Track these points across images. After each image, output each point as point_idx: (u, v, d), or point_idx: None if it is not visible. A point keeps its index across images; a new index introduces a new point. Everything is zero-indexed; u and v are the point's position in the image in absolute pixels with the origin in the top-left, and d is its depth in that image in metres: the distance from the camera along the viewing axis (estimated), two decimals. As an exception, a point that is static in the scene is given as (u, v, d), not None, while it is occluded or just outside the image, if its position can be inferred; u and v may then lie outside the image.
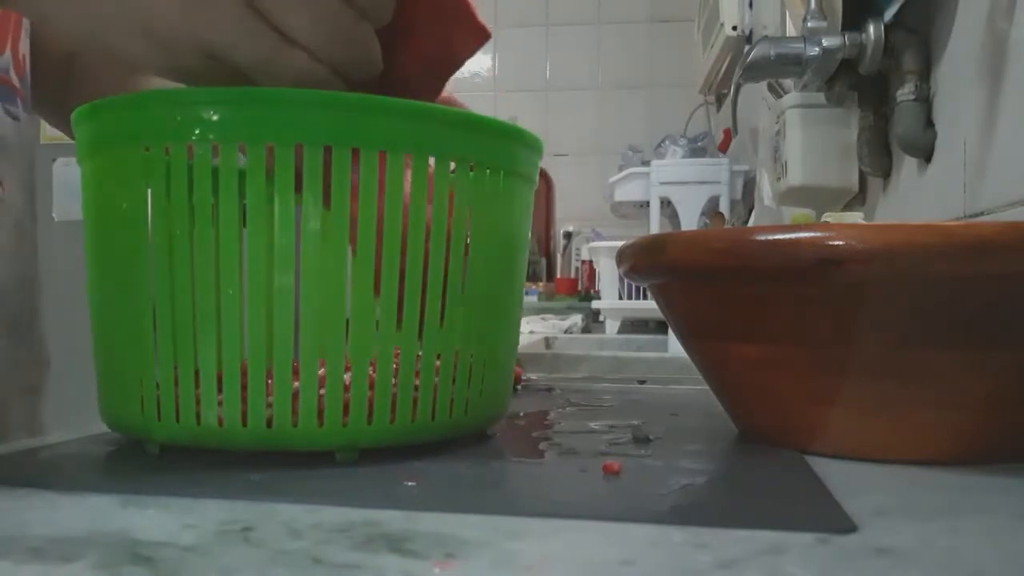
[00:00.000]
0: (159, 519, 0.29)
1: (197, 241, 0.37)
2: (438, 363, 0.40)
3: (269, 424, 0.37)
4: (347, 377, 0.38)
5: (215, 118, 0.36)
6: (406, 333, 0.38)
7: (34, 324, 0.62)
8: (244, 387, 0.37)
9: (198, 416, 0.37)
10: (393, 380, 0.38)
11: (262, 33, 0.36)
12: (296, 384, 0.37)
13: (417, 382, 0.39)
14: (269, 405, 0.37)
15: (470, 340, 0.41)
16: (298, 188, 0.36)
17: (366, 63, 0.39)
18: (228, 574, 0.24)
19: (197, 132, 0.36)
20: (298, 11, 0.36)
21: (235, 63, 0.36)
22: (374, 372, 0.38)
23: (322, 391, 0.37)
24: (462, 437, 0.42)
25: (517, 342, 0.47)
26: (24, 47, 0.59)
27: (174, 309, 0.37)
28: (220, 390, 0.37)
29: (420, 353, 0.39)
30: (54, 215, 1.89)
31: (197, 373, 0.37)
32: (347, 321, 0.38)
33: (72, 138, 0.49)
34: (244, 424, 0.37)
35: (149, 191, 0.38)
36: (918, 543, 0.28)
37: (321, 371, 0.37)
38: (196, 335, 0.37)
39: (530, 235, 0.47)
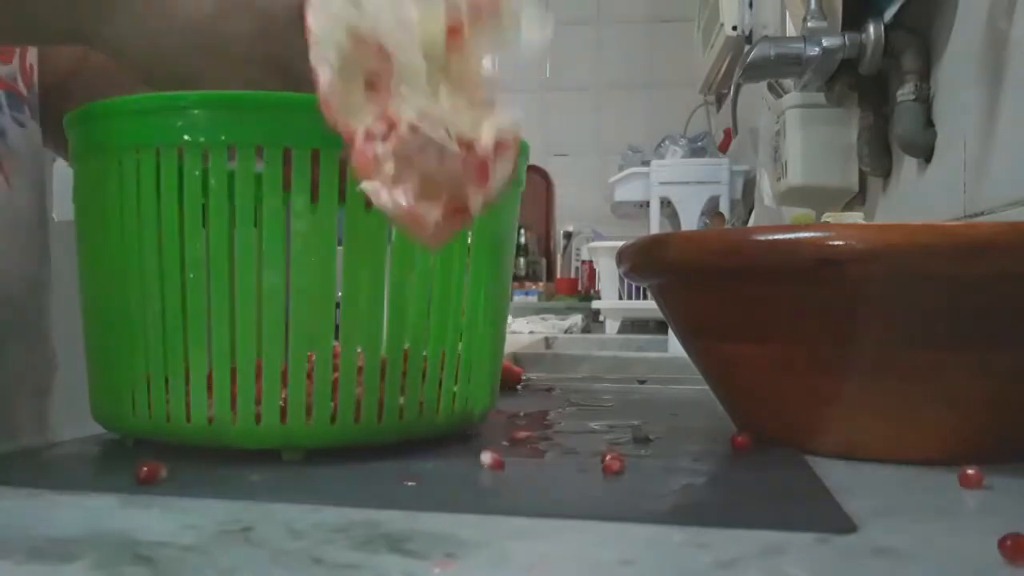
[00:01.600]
0: (159, 519, 0.29)
1: (143, 243, 0.38)
2: (383, 365, 0.39)
3: (210, 421, 0.38)
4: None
5: (198, 122, 0.37)
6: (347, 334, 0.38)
7: (43, 326, 0.62)
8: (187, 385, 0.38)
9: (149, 410, 0.39)
10: (332, 381, 0.38)
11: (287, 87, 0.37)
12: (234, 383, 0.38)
13: (360, 384, 0.39)
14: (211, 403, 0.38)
15: (426, 342, 0.40)
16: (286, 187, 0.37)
17: None
18: (228, 574, 0.24)
19: (171, 136, 0.37)
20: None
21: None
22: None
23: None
24: (421, 439, 0.41)
25: (494, 344, 0.46)
26: (32, 57, 0.60)
27: (128, 309, 0.39)
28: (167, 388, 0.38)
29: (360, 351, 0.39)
30: (54, 215, 1.88)
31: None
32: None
33: (57, 153, 0.50)
34: (188, 420, 0.38)
35: (124, 191, 0.39)
36: (918, 543, 0.28)
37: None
38: (146, 334, 0.38)
39: (526, 235, 0.47)
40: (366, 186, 0.32)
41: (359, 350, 0.39)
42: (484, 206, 0.33)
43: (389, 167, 0.32)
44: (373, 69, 0.33)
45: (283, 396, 0.38)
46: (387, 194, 0.32)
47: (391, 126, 0.32)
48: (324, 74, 0.32)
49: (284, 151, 0.37)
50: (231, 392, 0.37)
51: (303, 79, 0.38)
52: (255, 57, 0.38)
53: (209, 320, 0.38)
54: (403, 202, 0.32)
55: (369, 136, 0.32)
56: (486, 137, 0.33)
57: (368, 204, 0.37)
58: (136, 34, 0.39)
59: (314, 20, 0.33)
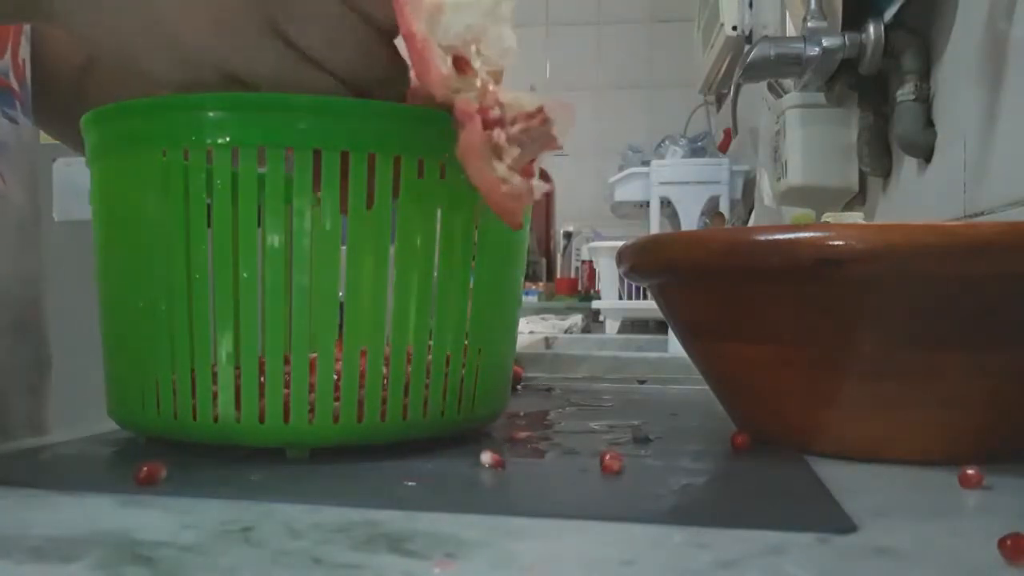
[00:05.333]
0: (159, 519, 0.29)
1: (152, 243, 0.38)
2: (386, 370, 0.39)
3: (216, 420, 0.38)
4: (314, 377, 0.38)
5: (217, 123, 0.37)
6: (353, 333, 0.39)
7: (37, 324, 0.62)
8: (194, 383, 0.38)
9: (158, 408, 0.39)
10: (335, 380, 0.38)
11: (284, 56, 0.37)
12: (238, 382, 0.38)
13: (363, 383, 0.39)
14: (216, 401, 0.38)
15: (431, 342, 0.40)
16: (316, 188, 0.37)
17: (391, 82, 0.39)
18: (228, 574, 0.24)
19: (194, 138, 0.37)
20: (319, 34, 0.37)
21: (256, 84, 0.37)
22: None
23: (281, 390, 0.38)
24: (422, 440, 0.41)
25: (503, 346, 0.45)
26: (24, 52, 0.60)
27: (137, 309, 0.39)
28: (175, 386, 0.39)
29: (365, 350, 0.39)
30: (54, 215, 1.89)
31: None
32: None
33: (75, 151, 0.50)
34: (194, 418, 0.38)
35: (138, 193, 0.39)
36: (918, 543, 0.28)
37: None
38: (155, 333, 0.39)
39: (530, 235, 0.47)
40: (477, 168, 0.35)
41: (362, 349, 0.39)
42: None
43: (512, 152, 0.35)
44: (460, 54, 0.35)
45: (286, 395, 0.38)
46: (501, 181, 0.35)
47: (501, 108, 0.35)
48: (439, 60, 0.34)
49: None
50: (235, 391, 0.38)
51: (257, 82, 0.37)
52: (206, 61, 0.37)
53: (214, 320, 0.38)
54: (517, 188, 0.35)
55: (487, 120, 0.34)
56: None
57: (370, 203, 0.38)
58: (83, 11, 0.38)
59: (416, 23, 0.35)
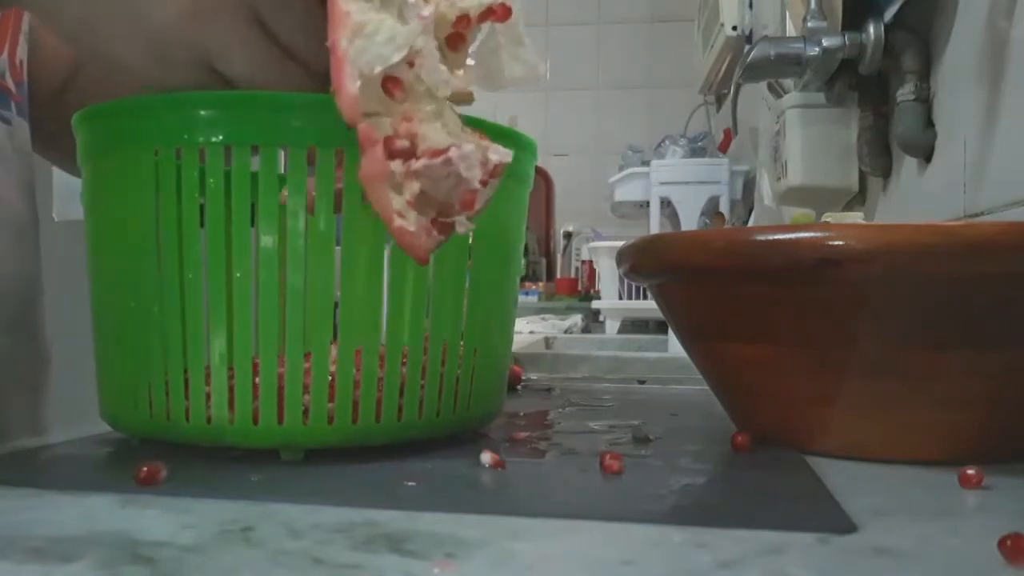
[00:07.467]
0: (159, 519, 0.29)
1: (144, 244, 0.38)
2: (381, 370, 0.39)
3: (209, 421, 0.38)
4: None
5: (210, 122, 0.37)
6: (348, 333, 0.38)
7: (35, 322, 0.62)
8: (186, 384, 0.38)
9: (151, 409, 0.39)
10: (330, 381, 0.38)
11: (264, 47, 0.37)
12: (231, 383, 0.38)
13: (358, 384, 0.38)
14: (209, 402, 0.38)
15: (426, 342, 0.40)
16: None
17: None
18: (228, 574, 0.24)
19: (186, 136, 0.37)
20: (301, 29, 0.36)
21: (233, 75, 0.37)
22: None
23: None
24: (421, 440, 0.41)
25: (499, 346, 0.45)
26: (22, 52, 0.60)
27: (130, 309, 0.39)
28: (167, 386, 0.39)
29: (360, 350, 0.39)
30: (54, 215, 1.89)
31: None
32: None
33: (54, 163, 0.49)
34: (187, 420, 0.38)
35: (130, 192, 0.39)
36: (918, 543, 0.28)
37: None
38: (148, 334, 0.39)
39: (526, 235, 0.47)
40: (376, 197, 0.33)
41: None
42: (470, 225, 0.35)
43: (412, 188, 0.33)
44: (394, 74, 0.33)
45: (280, 396, 0.38)
46: (397, 214, 0.33)
47: (412, 141, 0.33)
48: (350, 80, 0.32)
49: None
50: (229, 392, 0.37)
51: (232, 87, 0.37)
52: (183, 48, 0.37)
53: (207, 320, 0.38)
54: (412, 226, 0.33)
55: (391, 150, 0.33)
56: (492, 160, 0.34)
57: (364, 197, 0.38)
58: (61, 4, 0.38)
59: (347, 42, 0.32)
